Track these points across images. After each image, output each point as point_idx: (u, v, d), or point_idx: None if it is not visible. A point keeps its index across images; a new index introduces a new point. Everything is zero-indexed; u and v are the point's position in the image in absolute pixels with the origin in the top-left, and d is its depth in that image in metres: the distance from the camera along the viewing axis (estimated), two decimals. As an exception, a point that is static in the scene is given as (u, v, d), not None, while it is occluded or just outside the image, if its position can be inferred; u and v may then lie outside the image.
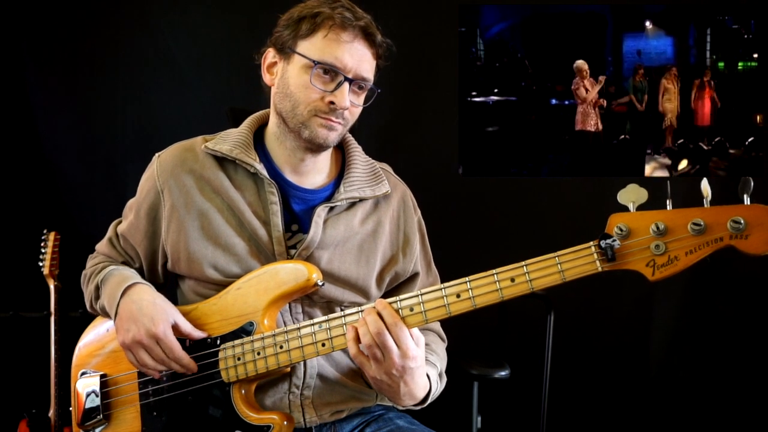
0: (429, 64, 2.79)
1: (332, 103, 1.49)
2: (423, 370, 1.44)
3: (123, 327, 1.52)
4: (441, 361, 1.62)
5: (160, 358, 1.49)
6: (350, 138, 1.69)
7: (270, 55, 1.58)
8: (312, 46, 1.49)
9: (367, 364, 1.39)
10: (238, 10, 2.78)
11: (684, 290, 2.66)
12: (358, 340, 1.38)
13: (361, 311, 1.41)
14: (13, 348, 2.70)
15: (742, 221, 1.19)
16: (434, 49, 2.77)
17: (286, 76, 1.53)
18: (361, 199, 1.61)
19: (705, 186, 1.23)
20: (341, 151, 1.68)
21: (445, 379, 1.61)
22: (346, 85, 1.49)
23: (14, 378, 2.72)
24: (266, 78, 1.59)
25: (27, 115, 2.84)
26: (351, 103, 1.52)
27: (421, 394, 1.46)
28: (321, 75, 1.49)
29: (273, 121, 1.61)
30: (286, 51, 1.53)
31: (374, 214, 1.64)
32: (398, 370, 1.37)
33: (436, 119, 2.78)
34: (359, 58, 1.50)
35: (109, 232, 1.73)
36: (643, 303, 2.70)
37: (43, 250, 2.53)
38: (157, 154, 1.65)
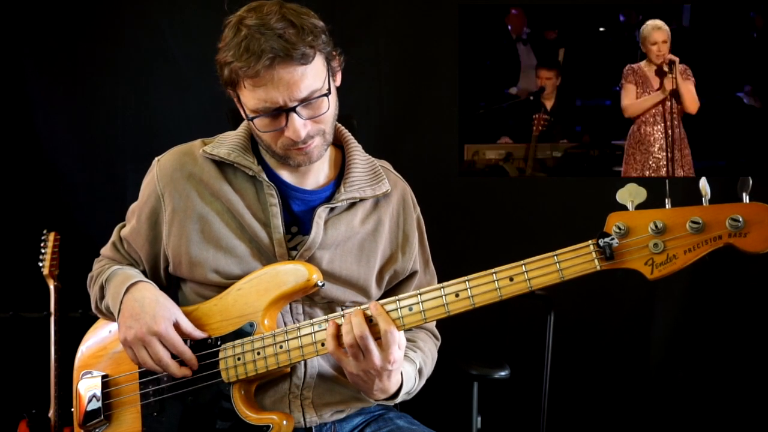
0: (429, 64, 2.79)
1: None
2: (399, 371, 1.46)
3: (125, 324, 1.52)
4: (424, 357, 1.62)
5: (158, 357, 1.49)
6: (350, 137, 1.67)
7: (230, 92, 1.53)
8: (243, 97, 1.45)
9: (345, 360, 1.40)
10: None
11: (684, 290, 2.66)
12: (337, 336, 1.39)
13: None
14: (13, 348, 2.70)
15: (740, 219, 1.19)
16: (434, 49, 2.76)
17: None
18: (362, 199, 1.61)
19: (704, 185, 1.23)
20: (341, 150, 1.67)
21: (425, 376, 1.62)
22: (294, 115, 1.43)
23: (14, 378, 2.72)
24: (242, 113, 1.55)
25: (26, 116, 2.84)
26: (312, 118, 1.46)
27: (393, 390, 1.47)
28: (265, 119, 1.45)
29: None
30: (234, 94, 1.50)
31: (374, 213, 1.63)
32: (376, 371, 1.39)
33: (436, 120, 2.78)
34: (287, 85, 1.40)
35: (113, 236, 1.73)
36: (643, 303, 2.70)
37: (43, 251, 2.53)
38: (156, 159, 1.65)
